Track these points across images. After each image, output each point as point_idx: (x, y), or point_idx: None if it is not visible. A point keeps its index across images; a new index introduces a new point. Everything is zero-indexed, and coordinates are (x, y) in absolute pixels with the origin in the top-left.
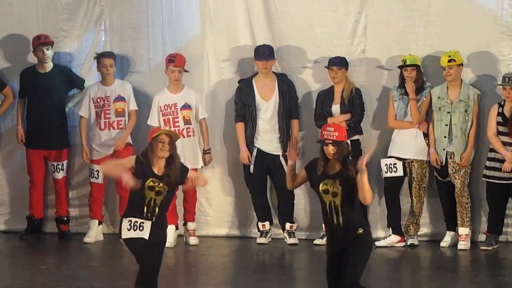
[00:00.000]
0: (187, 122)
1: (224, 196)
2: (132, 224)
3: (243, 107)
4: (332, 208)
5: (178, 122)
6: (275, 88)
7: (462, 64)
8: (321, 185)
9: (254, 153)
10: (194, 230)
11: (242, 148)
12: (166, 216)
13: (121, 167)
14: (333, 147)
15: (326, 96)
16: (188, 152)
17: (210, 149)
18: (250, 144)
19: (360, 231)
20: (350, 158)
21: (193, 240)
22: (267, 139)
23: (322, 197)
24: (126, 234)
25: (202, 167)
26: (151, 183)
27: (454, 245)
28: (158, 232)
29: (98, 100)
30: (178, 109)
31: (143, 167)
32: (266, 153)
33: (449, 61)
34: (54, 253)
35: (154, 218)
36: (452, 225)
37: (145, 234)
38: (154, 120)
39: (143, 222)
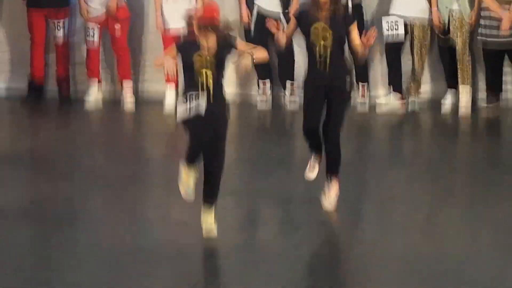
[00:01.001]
0: None
1: None
2: (188, 97)
3: None
4: (321, 51)
5: None
6: None
7: None
8: (312, 27)
9: (254, 12)
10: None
11: (242, 7)
12: (224, 92)
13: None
14: None
15: None
16: (182, 10)
17: None
18: (250, 3)
19: (347, 79)
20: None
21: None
22: None
23: (313, 39)
24: (181, 114)
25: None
26: (199, 57)
27: (455, 103)
28: (216, 108)
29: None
30: None
31: (187, 44)
32: (267, 12)
33: None
34: (54, 116)
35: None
36: (453, 83)
37: (202, 104)
38: None
39: (198, 94)
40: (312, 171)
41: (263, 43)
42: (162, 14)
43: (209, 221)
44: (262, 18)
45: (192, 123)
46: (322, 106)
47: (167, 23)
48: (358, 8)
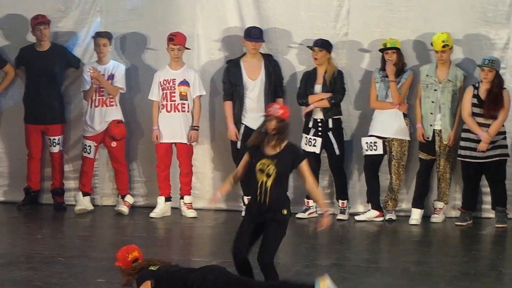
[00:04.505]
0: (183, 97)
1: (211, 171)
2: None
3: (231, 86)
4: (262, 187)
5: (174, 96)
6: (262, 68)
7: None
8: (258, 163)
9: (242, 130)
10: (191, 203)
11: (230, 125)
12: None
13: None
14: (275, 123)
15: (310, 76)
16: (179, 126)
17: (198, 127)
18: (237, 122)
19: (284, 211)
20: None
21: (191, 213)
22: (254, 117)
23: (256, 175)
24: None
25: (189, 143)
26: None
27: (424, 221)
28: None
29: (93, 78)
30: (176, 85)
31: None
32: (253, 130)
33: (443, 46)
34: (49, 223)
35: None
36: (420, 203)
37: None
38: (154, 95)
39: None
40: None
41: None
42: (158, 128)
43: None
44: (248, 135)
45: None
46: (252, 234)
47: (161, 137)
48: (337, 122)
